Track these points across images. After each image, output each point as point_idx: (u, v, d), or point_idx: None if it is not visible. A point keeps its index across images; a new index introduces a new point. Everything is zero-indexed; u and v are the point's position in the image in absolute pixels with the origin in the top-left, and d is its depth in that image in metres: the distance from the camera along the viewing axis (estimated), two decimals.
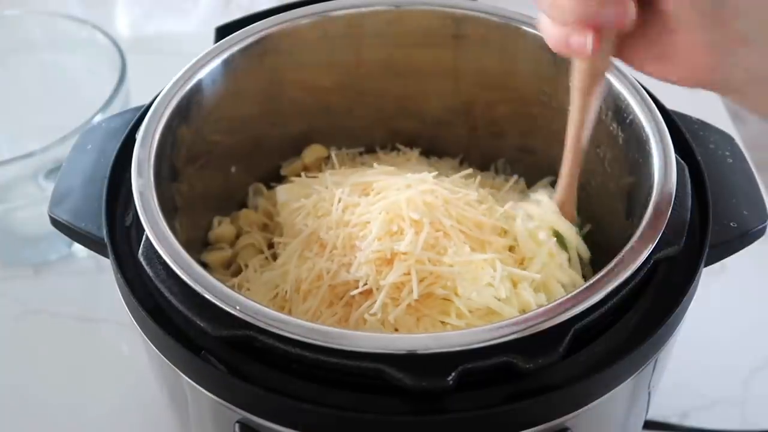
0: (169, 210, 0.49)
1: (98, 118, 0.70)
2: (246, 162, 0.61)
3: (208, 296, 0.42)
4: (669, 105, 0.53)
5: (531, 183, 0.63)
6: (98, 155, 0.53)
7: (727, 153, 0.54)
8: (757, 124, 1.83)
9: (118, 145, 0.53)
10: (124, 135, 0.53)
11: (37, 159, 0.68)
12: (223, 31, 0.58)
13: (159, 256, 0.45)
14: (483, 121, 0.61)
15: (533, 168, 0.63)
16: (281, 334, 0.40)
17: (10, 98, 0.83)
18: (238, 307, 0.41)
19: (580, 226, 0.56)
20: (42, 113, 0.82)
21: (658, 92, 0.53)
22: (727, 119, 0.91)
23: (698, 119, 0.56)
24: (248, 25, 0.57)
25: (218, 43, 0.56)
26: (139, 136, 0.50)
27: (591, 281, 0.42)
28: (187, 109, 0.53)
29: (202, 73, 0.54)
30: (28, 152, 0.68)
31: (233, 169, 0.60)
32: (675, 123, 0.53)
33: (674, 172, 0.48)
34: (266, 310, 0.41)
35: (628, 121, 0.52)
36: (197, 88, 0.54)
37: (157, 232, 0.45)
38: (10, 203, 0.73)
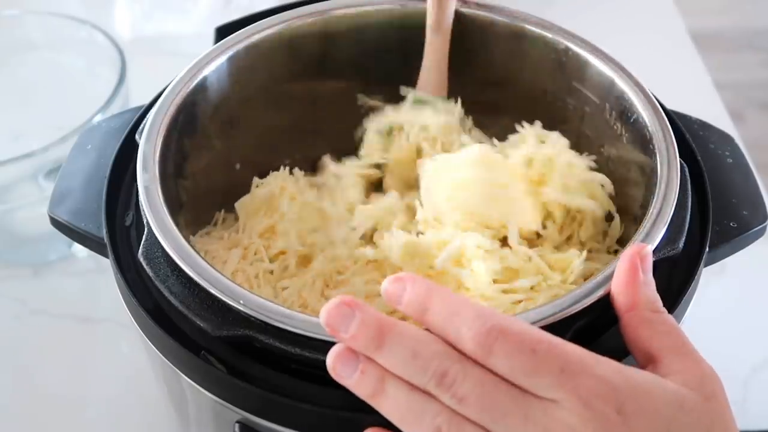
0: (174, 206, 0.49)
1: (98, 118, 0.70)
2: (250, 159, 0.60)
3: (212, 291, 0.42)
4: (669, 105, 0.53)
5: None
6: (98, 155, 0.53)
7: (727, 153, 0.54)
8: (757, 124, 1.84)
9: (118, 145, 0.53)
10: (124, 135, 0.53)
11: (37, 159, 0.68)
12: (223, 31, 0.58)
13: (161, 253, 0.45)
14: (485, 120, 0.61)
15: None
16: (284, 329, 0.40)
17: (10, 98, 0.83)
18: (242, 301, 0.41)
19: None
20: (42, 113, 0.82)
21: (658, 92, 0.53)
22: (727, 119, 0.91)
23: (698, 119, 0.56)
24: (248, 25, 0.57)
25: (222, 41, 0.56)
26: (144, 132, 0.50)
27: (591, 281, 0.42)
28: (193, 105, 0.53)
29: (206, 71, 0.54)
30: (28, 152, 0.68)
31: (237, 166, 0.60)
32: (675, 123, 0.53)
33: (677, 170, 0.48)
34: (270, 304, 0.41)
35: (632, 120, 0.52)
36: (202, 86, 0.54)
37: (161, 226, 0.45)
38: (10, 203, 0.73)
